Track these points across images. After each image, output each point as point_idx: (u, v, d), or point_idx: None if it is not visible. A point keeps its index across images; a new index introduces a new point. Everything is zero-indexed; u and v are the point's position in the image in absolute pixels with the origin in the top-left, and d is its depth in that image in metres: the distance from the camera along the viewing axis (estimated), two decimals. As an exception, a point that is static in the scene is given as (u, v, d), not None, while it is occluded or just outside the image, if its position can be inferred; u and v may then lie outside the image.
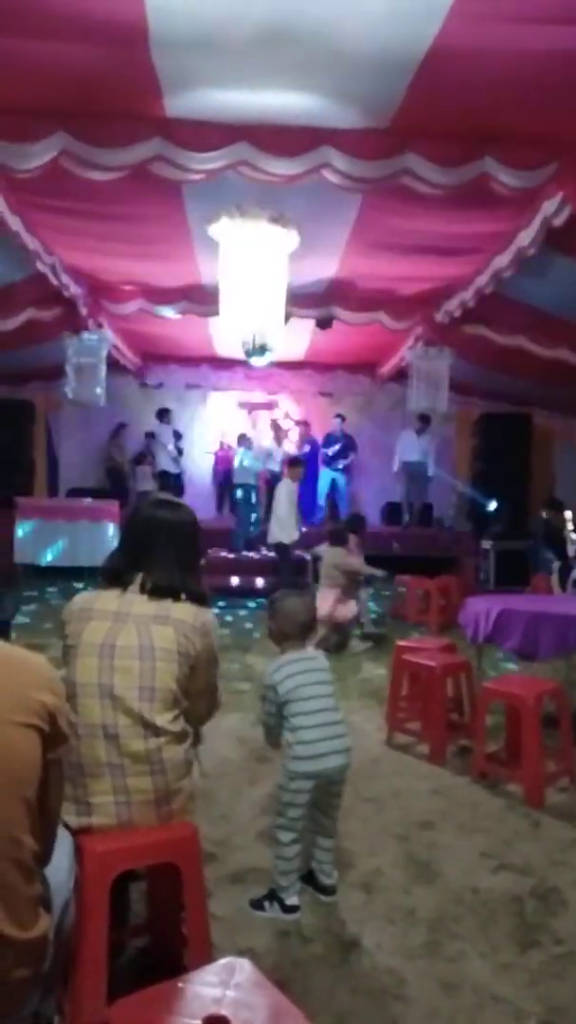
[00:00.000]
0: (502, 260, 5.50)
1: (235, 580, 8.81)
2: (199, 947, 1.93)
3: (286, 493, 7.96)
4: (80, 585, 8.33)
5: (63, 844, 1.56)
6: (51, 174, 4.26)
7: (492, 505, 10.19)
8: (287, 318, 6.39)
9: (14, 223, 4.86)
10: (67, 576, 8.68)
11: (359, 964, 2.21)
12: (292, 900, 2.44)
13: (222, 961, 1.51)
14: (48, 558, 9.02)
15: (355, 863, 2.80)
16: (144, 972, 2.07)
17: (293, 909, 2.43)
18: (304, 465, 8.64)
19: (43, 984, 1.30)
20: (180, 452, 11.22)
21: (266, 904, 2.45)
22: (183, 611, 1.94)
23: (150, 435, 11.27)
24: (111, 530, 8.95)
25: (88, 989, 1.69)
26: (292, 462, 8.41)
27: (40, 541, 9.07)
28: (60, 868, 1.52)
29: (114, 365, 9.35)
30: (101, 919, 1.73)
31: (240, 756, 3.83)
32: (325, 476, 11.02)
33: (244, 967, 1.48)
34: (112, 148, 4.03)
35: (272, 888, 2.47)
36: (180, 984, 1.42)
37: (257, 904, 2.46)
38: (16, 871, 1.15)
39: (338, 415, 11.04)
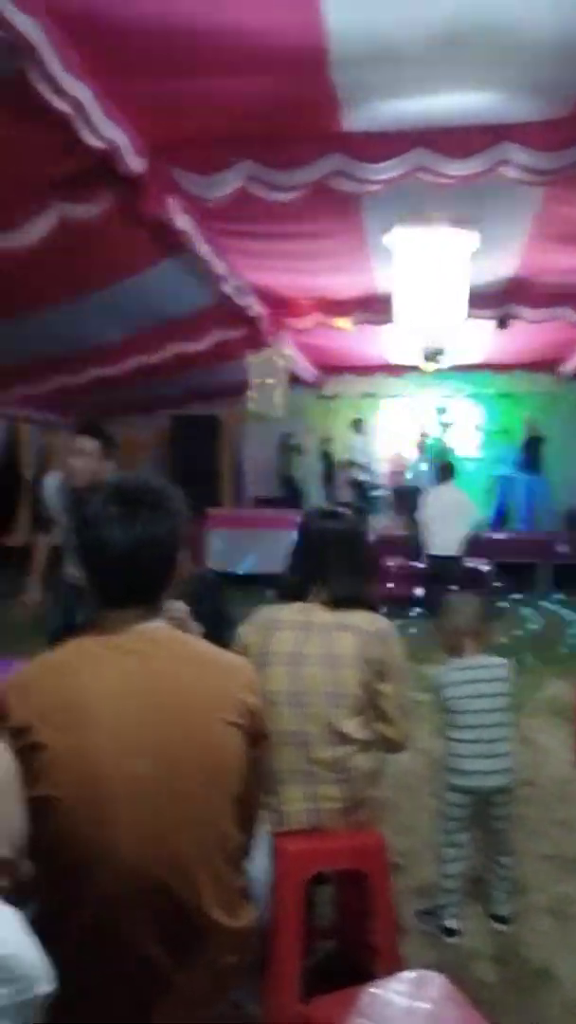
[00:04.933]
0: None
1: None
2: (388, 957, 1.93)
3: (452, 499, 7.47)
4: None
5: (261, 841, 1.63)
6: (236, 200, 4.49)
7: None
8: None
9: (204, 251, 5.17)
10: (257, 584, 9.04)
11: (549, 995, 2.11)
12: (450, 922, 2.36)
13: (414, 973, 1.51)
14: (237, 566, 9.42)
15: (544, 887, 2.67)
16: (332, 975, 2.11)
17: (449, 932, 2.35)
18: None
19: (246, 973, 1.38)
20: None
21: (427, 918, 2.40)
22: (360, 618, 1.97)
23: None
24: (295, 538, 9.21)
25: (284, 984, 1.76)
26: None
27: (229, 550, 9.51)
28: (259, 863, 1.59)
29: (292, 378, 9.64)
30: (297, 917, 1.79)
31: (421, 766, 3.79)
32: (516, 483, 10.65)
33: (436, 981, 1.47)
34: (293, 169, 4.17)
35: (435, 904, 2.42)
36: (374, 990, 1.44)
37: (420, 915, 2.43)
38: (225, 862, 1.23)
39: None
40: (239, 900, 1.28)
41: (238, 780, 1.26)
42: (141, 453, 12.30)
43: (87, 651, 1.34)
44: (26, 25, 2.80)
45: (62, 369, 8.07)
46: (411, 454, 10.99)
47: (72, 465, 3.41)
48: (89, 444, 3.38)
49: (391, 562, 8.87)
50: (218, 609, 2.20)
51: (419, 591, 7.90)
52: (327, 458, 11.76)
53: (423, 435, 11.05)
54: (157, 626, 1.39)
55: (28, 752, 1.19)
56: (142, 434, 12.30)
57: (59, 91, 3.17)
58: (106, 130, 3.59)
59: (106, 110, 3.54)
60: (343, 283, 7.02)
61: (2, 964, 0.61)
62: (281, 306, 7.72)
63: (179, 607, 2.09)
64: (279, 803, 1.87)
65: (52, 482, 3.72)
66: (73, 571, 3.56)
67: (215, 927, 1.20)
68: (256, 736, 1.30)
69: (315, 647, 1.91)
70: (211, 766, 1.22)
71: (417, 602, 7.73)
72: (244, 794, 1.28)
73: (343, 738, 1.87)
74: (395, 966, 1.85)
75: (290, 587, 2.05)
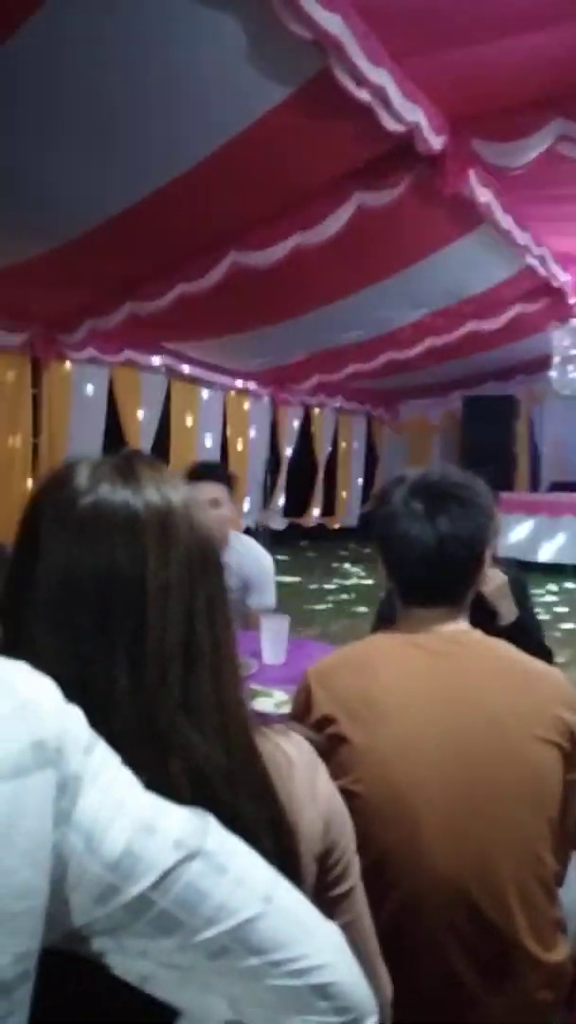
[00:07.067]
0: None
1: None
2: None
3: None
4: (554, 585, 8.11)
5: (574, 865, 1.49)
6: (541, 164, 4.17)
7: None
8: None
9: (505, 222, 4.91)
10: (555, 573, 8.57)
11: None
12: None
13: None
14: (531, 554, 8.97)
15: None
16: None
17: None
18: None
19: (562, 1011, 1.27)
20: None
21: None
22: None
23: None
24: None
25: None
26: None
27: (523, 536, 9.07)
28: (573, 892, 1.46)
29: (603, 350, 8.82)
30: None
31: None
32: None
33: None
34: (614, 120, 3.76)
35: None
36: None
37: None
38: (540, 890, 1.13)
39: None
40: (554, 932, 1.17)
41: (555, 803, 1.15)
42: (431, 436, 12.24)
43: (391, 648, 1.32)
44: (330, 21, 2.85)
45: (355, 355, 8.29)
46: None
47: None
48: None
49: None
50: (523, 607, 2.03)
51: None
52: None
53: None
54: (462, 628, 1.32)
55: (331, 744, 1.20)
56: (432, 417, 12.21)
57: (361, 81, 3.20)
58: (406, 112, 3.56)
59: (405, 92, 3.49)
60: None
61: (328, 992, 0.57)
62: (591, 272, 7.10)
63: (500, 578, 1.97)
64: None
65: None
66: None
67: (528, 958, 1.11)
68: (573, 758, 1.18)
69: None
70: (525, 785, 1.13)
71: None
72: (561, 819, 1.17)
73: None
74: None
75: None
